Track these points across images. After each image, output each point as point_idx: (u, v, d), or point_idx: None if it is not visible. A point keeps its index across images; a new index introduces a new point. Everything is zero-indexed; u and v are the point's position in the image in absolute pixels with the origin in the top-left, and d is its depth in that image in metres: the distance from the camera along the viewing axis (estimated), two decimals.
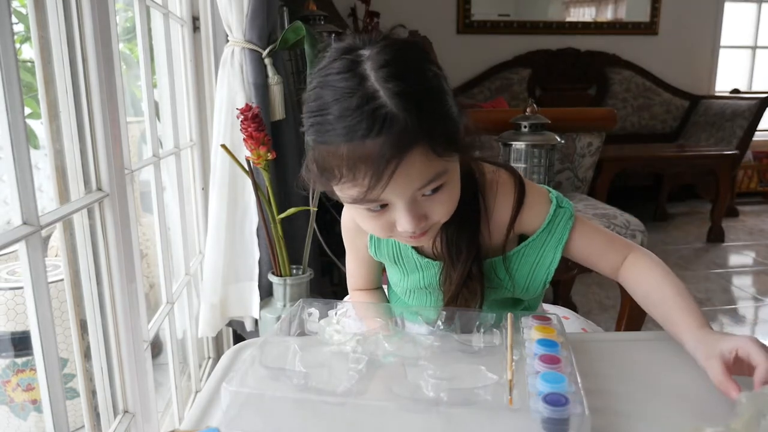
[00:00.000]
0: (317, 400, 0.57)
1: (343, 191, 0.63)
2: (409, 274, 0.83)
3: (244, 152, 1.39)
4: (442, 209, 0.66)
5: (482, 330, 0.70)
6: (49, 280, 0.79)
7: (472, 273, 0.76)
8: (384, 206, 0.64)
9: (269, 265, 1.55)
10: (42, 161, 1.55)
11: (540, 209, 0.77)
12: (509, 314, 0.68)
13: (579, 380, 0.55)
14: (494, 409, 0.54)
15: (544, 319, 0.69)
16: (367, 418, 0.56)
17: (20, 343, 1.33)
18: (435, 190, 0.64)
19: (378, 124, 0.56)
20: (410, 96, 0.57)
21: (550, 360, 0.59)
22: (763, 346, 0.59)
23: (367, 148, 0.57)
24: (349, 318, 0.75)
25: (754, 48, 4.64)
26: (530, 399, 0.53)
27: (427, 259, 0.80)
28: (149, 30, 1.33)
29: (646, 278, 0.75)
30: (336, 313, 0.73)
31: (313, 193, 1.64)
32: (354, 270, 0.92)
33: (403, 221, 0.64)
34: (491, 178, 0.77)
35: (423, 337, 0.69)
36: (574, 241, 0.77)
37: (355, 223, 0.78)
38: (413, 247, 0.80)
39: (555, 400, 0.52)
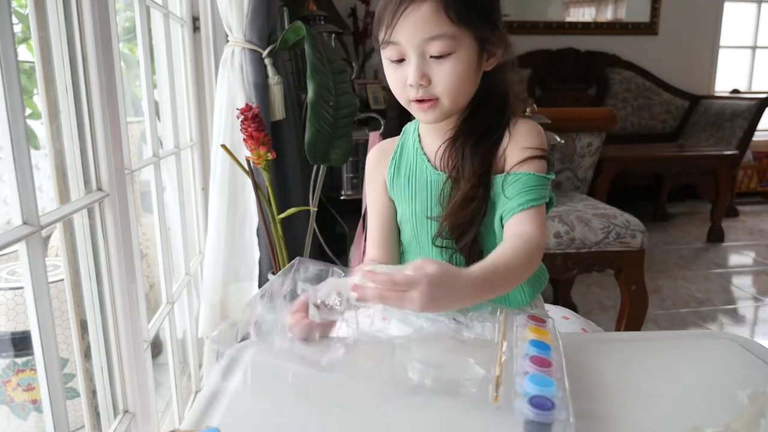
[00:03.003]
0: (300, 372, 0.57)
1: (380, 36, 0.76)
2: (418, 195, 0.85)
3: (244, 152, 1.39)
4: (445, 80, 0.75)
5: (475, 321, 0.70)
6: (49, 280, 0.79)
7: (476, 193, 0.79)
8: (401, 61, 0.76)
9: (269, 265, 1.55)
10: (42, 161, 1.55)
11: (523, 149, 0.79)
12: (504, 309, 0.69)
13: (567, 386, 0.54)
14: (478, 403, 0.54)
15: (539, 320, 0.68)
16: (349, 395, 0.57)
17: (20, 343, 1.33)
18: (442, 57, 0.74)
19: None
20: None
21: (541, 362, 0.58)
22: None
23: None
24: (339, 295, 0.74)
25: (753, 48, 4.64)
26: (516, 399, 0.53)
27: (438, 173, 0.83)
28: (149, 30, 1.33)
29: (505, 244, 0.75)
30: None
31: (313, 193, 1.64)
32: (370, 232, 0.92)
33: (409, 72, 0.75)
34: (518, 116, 0.84)
35: (414, 317, 0.69)
36: (530, 210, 0.77)
37: (377, 157, 0.91)
38: (428, 161, 0.85)
39: (541, 404, 0.51)
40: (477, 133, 0.81)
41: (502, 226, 0.80)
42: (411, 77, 0.75)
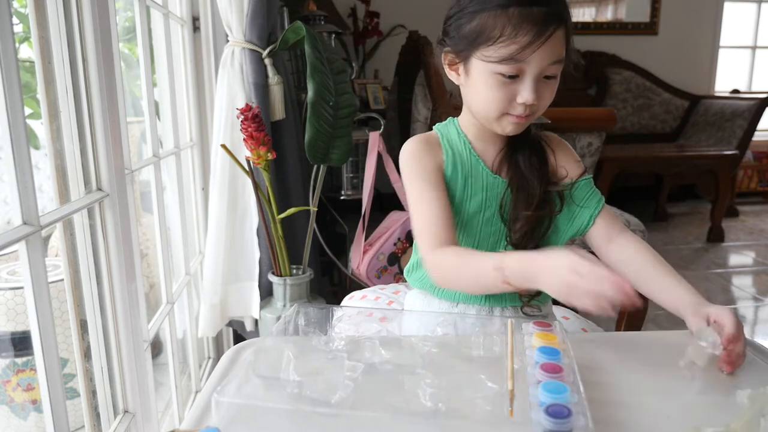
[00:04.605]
0: (311, 411, 0.56)
1: (497, 50, 0.74)
2: (473, 195, 0.85)
3: (244, 152, 1.39)
4: (547, 98, 0.79)
5: (482, 336, 0.69)
6: (49, 280, 0.79)
7: (546, 195, 0.83)
8: (513, 78, 0.76)
9: (269, 265, 1.55)
10: (42, 161, 1.55)
11: (577, 162, 0.89)
12: (510, 320, 0.68)
13: (582, 390, 0.54)
14: (494, 420, 0.53)
15: (545, 325, 0.68)
16: (362, 429, 0.55)
17: (20, 343, 1.33)
18: (550, 78, 0.77)
19: None
20: None
21: (552, 369, 0.57)
22: (733, 314, 0.69)
23: (533, 13, 0.73)
24: (345, 323, 0.74)
25: (754, 48, 4.64)
26: (532, 410, 0.52)
27: (495, 176, 0.85)
28: (149, 30, 1.33)
29: (640, 255, 0.82)
30: (333, 317, 0.72)
31: (313, 193, 1.64)
32: (431, 212, 0.80)
33: (526, 91, 0.76)
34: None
35: (421, 343, 0.69)
36: (606, 209, 0.86)
37: (425, 146, 0.86)
38: (484, 164, 0.86)
39: (557, 412, 0.50)
40: (525, 140, 0.86)
41: (592, 222, 0.85)
42: (528, 97, 0.76)
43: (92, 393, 0.99)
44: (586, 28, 4.18)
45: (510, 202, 0.84)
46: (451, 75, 0.85)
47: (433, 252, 0.78)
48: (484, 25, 0.75)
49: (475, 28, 0.76)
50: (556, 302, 1.16)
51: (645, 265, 0.80)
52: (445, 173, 0.85)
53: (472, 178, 0.85)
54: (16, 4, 1.30)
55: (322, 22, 2.34)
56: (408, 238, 1.49)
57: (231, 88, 1.50)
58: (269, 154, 1.35)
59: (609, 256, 0.84)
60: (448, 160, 0.85)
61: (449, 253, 0.76)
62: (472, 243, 0.87)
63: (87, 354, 0.97)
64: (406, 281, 1.00)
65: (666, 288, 0.78)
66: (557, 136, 0.91)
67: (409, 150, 0.86)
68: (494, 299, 0.87)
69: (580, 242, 0.88)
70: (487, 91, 0.78)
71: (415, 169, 0.84)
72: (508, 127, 0.81)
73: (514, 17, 0.73)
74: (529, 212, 0.82)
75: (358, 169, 2.18)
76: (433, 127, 0.91)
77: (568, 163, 0.88)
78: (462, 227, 0.86)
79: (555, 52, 0.75)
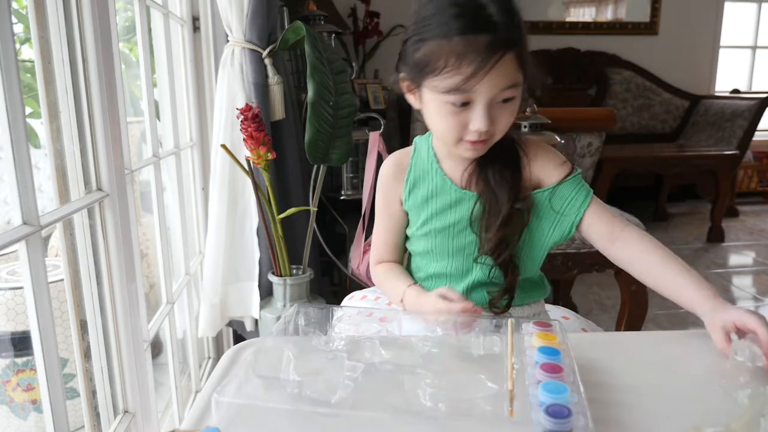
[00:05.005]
0: (311, 411, 0.56)
1: (442, 81, 0.73)
2: (440, 213, 0.86)
3: (244, 152, 1.39)
4: (504, 122, 0.77)
5: (482, 336, 0.69)
6: (49, 280, 0.79)
7: (517, 211, 0.82)
8: (465, 105, 0.74)
9: (269, 265, 1.55)
10: (42, 161, 1.55)
11: (561, 164, 0.85)
12: (510, 320, 0.68)
13: (582, 390, 0.54)
14: (494, 420, 0.53)
15: (545, 325, 0.68)
16: (362, 429, 0.55)
17: (20, 343, 1.33)
18: (507, 101, 0.75)
19: (488, 25, 0.70)
20: (511, 12, 0.73)
21: (552, 369, 0.57)
22: (757, 314, 0.67)
23: (476, 42, 0.70)
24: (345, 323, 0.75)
25: (754, 48, 4.64)
26: (531, 410, 0.52)
27: (464, 191, 0.85)
28: (149, 30, 1.33)
29: (646, 253, 0.79)
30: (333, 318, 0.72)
31: (313, 193, 1.64)
32: (380, 236, 0.95)
33: (478, 119, 0.74)
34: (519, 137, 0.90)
35: (421, 343, 0.69)
36: (592, 210, 0.83)
37: (394, 169, 0.91)
38: (451, 181, 0.86)
39: (557, 412, 0.50)
40: (495, 153, 0.83)
41: (574, 229, 0.83)
42: (480, 124, 0.74)
43: (92, 393, 0.99)
44: (586, 28, 4.18)
45: (479, 215, 0.84)
46: (409, 99, 0.84)
47: (373, 266, 0.97)
48: (430, 55, 0.73)
49: (422, 58, 0.75)
50: (555, 302, 1.16)
51: (651, 263, 0.79)
52: (403, 200, 0.90)
53: (437, 196, 0.86)
54: (15, 5, 1.30)
55: (322, 22, 2.34)
56: None
57: (231, 88, 1.50)
58: (269, 154, 1.35)
59: (614, 257, 0.83)
60: (407, 186, 0.89)
61: (380, 270, 0.95)
62: (446, 254, 0.88)
63: (87, 354, 0.97)
64: None
65: (676, 288, 0.76)
66: (538, 141, 0.89)
67: (384, 173, 0.93)
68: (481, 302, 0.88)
69: (580, 241, 0.88)
70: (440, 119, 0.77)
71: (379, 195, 0.93)
72: (467, 153, 0.80)
73: (457, 47, 0.71)
74: (495, 230, 0.81)
75: (358, 169, 2.18)
76: (414, 138, 0.93)
77: (544, 170, 0.85)
78: (434, 240, 0.87)
79: (506, 77, 0.73)
